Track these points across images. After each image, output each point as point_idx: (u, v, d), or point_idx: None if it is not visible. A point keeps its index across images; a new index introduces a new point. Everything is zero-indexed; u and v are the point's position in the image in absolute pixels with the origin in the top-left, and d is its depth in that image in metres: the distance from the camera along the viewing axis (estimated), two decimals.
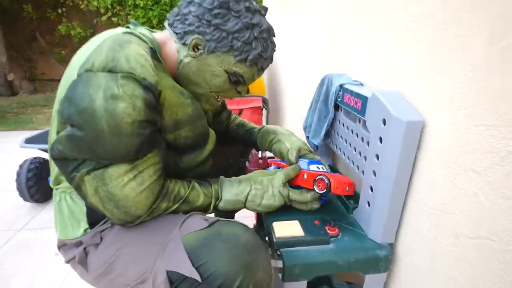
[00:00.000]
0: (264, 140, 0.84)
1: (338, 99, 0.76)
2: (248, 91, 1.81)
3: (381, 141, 0.56)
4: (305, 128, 0.94)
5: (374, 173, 0.58)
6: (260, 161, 0.91)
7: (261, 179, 0.66)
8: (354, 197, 0.74)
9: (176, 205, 0.59)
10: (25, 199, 1.60)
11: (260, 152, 0.93)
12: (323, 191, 0.64)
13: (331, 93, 0.77)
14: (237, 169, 1.03)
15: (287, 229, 0.61)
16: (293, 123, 1.55)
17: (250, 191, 0.64)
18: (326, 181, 0.63)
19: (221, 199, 0.63)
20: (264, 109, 1.78)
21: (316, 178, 0.65)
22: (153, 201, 0.55)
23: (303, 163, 0.72)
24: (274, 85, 2.11)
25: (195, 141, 0.66)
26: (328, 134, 0.87)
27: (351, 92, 0.68)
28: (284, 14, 1.64)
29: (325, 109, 0.83)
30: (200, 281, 0.48)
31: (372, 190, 0.60)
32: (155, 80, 0.52)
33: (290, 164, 0.72)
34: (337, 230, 0.62)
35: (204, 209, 0.63)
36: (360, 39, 0.76)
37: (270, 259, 0.55)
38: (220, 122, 0.94)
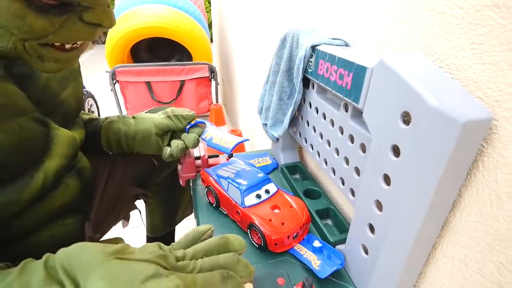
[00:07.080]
0: (111, 130, 0.57)
1: (309, 70, 0.48)
2: (191, 59, 1.44)
3: (396, 154, 0.30)
4: (260, 111, 0.66)
5: (379, 205, 0.33)
6: (198, 162, 0.63)
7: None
8: (331, 215, 0.50)
9: None
10: None
11: (198, 149, 0.64)
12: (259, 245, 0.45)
13: (297, 60, 0.49)
14: (170, 177, 0.75)
15: None
16: (252, 101, 1.25)
17: None
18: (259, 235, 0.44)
19: None
20: (212, 79, 1.44)
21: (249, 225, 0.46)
22: None
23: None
24: (225, 55, 1.76)
25: (12, 156, 0.34)
26: (293, 121, 0.60)
27: (332, 59, 0.41)
28: None
29: (288, 85, 0.55)
30: None
31: (373, 231, 0.35)
32: None
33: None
34: None
35: None
36: None
37: None
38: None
